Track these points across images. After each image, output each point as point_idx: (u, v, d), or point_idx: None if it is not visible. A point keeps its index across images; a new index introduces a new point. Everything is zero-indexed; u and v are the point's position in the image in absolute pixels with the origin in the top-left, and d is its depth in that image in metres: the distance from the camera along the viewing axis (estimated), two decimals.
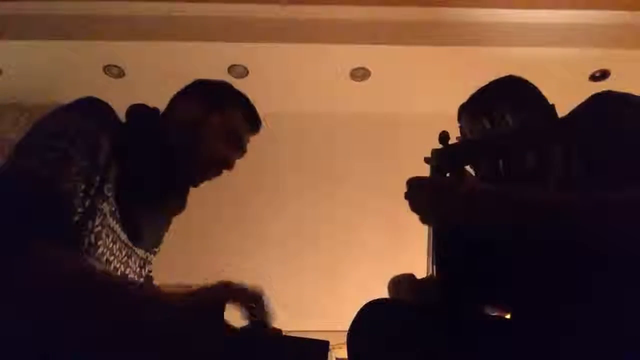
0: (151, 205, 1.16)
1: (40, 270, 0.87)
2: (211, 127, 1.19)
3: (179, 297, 0.92)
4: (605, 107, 0.98)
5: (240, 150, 1.26)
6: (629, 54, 2.88)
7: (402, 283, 1.19)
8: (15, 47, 2.87)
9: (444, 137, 1.02)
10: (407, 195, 0.99)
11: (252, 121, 1.26)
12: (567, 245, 0.88)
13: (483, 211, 0.92)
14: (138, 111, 1.18)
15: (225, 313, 0.94)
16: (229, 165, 1.23)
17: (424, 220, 0.99)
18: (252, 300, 0.97)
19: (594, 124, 0.96)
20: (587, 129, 0.97)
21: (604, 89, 1.03)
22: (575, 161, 0.95)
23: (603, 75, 3.01)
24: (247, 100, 1.27)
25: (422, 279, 1.15)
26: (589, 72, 3.00)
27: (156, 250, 1.29)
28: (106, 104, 1.10)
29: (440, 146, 1.03)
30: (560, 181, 0.99)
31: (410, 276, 1.19)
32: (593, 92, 1.04)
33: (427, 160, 1.03)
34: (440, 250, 0.99)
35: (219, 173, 1.23)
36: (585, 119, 1.00)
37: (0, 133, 3.03)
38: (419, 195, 0.98)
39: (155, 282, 1.31)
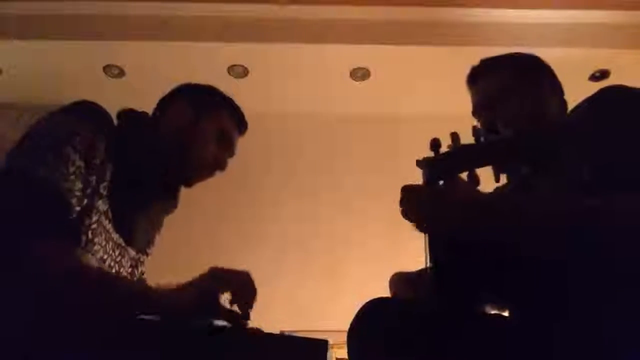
0: (143, 206, 1.19)
1: (41, 270, 0.89)
2: (203, 129, 1.22)
3: (173, 292, 0.94)
4: (606, 107, 0.98)
5: (231, 151, 1.29)
6: (629, 54, 2.88)
7: (399, 281, 1.19)
8: (15, 47, 2.87)
9: (435, 144, 0.97)
10: (402, 203, 0.99)
11: (240, 123, 1.30)
12: (561, 249, 0.88)
13: (476, 218, 0.93)
14: (129, 115, 1.20)
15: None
16: (222, 166, 1.26)
17: (419, 227, 0.98)
18: (242, 289, 1.00)
19: (595, 126, 0.96)
20: (587, 132, 0.97)
21: None
22: (574, 165, 0.95)
23: (603, 75, 3.01)
24: (233, 102, 1.30)
25: (418, 274, 1.15)
26: (589, 72, 3.00)
27: (149, 251, 1.30)
28: (100, 107, 1.13)
29: (431, 153, 0.99)
30: (559, 185, 0.99)
31: (407, 274, 1.20)
32: (593, 92, 1.03)
33: (419, 164, 1.00)
34: (436, 254, 0.99)
35: (212, 174, 1.26)
36: (585, 122, 0.99)
37: (0, 133, 3.03)
38: (413, 203, 0.98)
39: (152, 282, 1.32)
